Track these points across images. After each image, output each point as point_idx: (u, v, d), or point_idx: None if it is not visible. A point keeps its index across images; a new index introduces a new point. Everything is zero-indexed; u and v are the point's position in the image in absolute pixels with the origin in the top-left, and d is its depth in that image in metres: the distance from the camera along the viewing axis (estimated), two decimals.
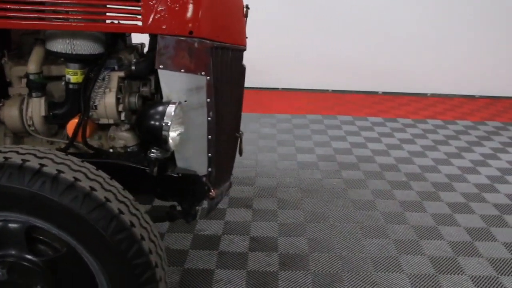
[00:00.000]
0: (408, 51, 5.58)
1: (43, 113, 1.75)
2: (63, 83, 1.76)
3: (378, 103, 5.35)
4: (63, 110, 1.77)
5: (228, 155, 2.06)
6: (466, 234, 2.64)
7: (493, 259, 2.41)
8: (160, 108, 1.61)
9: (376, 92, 5.76)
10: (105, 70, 1.73)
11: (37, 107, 1.75)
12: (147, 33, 1.65)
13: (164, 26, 1.62)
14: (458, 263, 2.38)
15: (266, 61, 5.25)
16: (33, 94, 1.74)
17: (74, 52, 1.68)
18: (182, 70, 1.67)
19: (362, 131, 4.35)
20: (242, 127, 2.19)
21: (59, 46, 1.67)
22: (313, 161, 3.59)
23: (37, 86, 1.74)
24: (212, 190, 1.86)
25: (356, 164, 3.55)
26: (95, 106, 1.72)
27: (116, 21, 1.75)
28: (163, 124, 1.59)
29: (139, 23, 1.62)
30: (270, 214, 2.77)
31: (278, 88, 5.74)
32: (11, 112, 1.76)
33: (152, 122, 1.62)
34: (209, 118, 1.76)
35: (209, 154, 1.81)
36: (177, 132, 1.67)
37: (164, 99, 1.72)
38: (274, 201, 2.93)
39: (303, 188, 3.12)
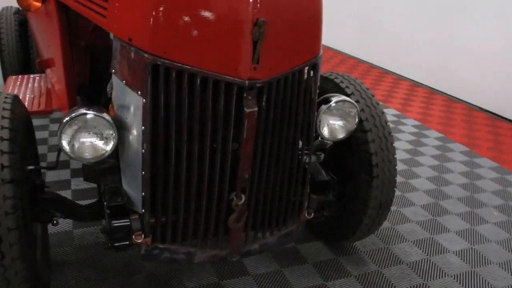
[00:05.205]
0: None
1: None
2: None
3: None
4: None
5: (203, 214, 1.50)
6: None
7: None
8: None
9: None
10: None
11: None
12: (107, 29, 1.44)
13: (115, 26, 1.38)
14: None
15: None
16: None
17: None
18: (123, 82, 1.38)
19: None
20: None
21: None
22: None
23: None
24: (142, 236, 1.49)
25: None
26: None
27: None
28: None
29: (105, 19, 1.44)
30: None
31: None
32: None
33: None
34: (143, 150, 1.38)
35: (143, 193, 1.44)
36: (80, 141, 1.39)
37: (115, 109, 1.48)
38: None
39: None
